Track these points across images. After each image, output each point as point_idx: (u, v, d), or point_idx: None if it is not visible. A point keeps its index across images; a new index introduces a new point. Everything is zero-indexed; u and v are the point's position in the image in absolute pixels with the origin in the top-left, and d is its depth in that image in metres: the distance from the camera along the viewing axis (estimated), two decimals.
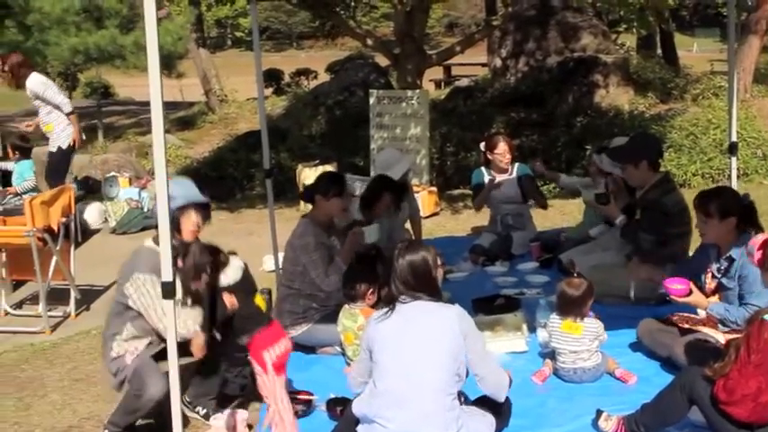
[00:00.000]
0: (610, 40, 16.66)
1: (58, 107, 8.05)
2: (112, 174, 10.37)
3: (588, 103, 13.66)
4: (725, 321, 4.21)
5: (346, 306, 4.72)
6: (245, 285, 3.98)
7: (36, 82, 7.94)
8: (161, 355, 3.83)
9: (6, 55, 7.06)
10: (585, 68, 14.23)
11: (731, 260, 4.25)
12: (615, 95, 13.95)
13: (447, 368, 3.20)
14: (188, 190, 4.28)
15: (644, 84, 14.74)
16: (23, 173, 7.95)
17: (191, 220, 4.17)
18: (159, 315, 3.82)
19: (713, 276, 4.39)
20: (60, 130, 8.13)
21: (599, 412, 3.82)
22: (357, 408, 3.39)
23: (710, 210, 4.27)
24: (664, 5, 9.69)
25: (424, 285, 3.36)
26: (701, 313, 4.44)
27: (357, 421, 3.40)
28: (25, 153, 8.46)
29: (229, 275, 3.92)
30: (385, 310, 3.37)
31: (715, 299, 4.38)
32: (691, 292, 4.19)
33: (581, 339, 4.31)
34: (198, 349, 3.94)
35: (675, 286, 4.20)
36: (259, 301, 4.01)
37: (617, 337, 4.74)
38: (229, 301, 3.95)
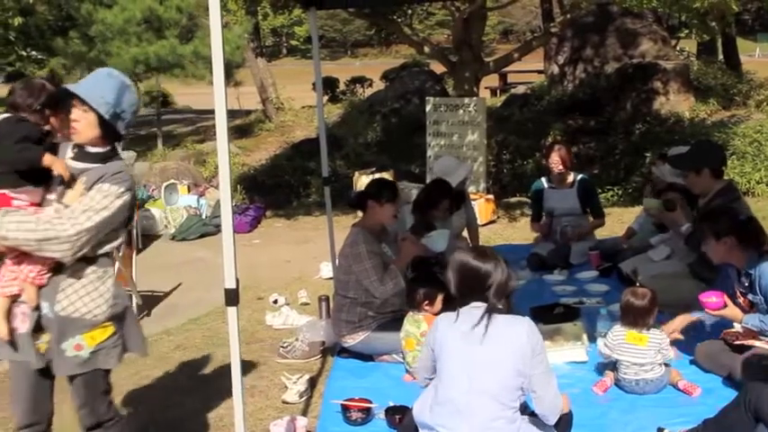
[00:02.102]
0: (670, 45, 16.41)
1: None
2: (172, 181, 10.54)
3: (647, 110, 13.48)
4: (763, 332, 4.17)
5: (411, 313, 4.70)
6: None
7: None
8: None
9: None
10: (644, 75, 14.04)
11: (749, 275, 4.25)
12: (675, 102, 13.74)
13: (511, 381, 3.14)
14: None
15: (705, 90, 14.50)
16: None
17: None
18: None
19: (742, 294, 4.36)
20: None
21: (660, 430, 3.78)
22: (418, 413, 3.35)
23: (705, 232, 4.37)
24: (728, 10, 9.48)
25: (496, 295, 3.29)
26: (737, 326, 4.39)
27: (416, 429, 3.38)
28: None
29: None
30: (453, 315, 3.33)
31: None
32: (725, 306, 4.18)
33: (646, 351, 4.23)
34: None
35: (710, 299, 4.19)
36: None
37: (679, 347, 4.66)
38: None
